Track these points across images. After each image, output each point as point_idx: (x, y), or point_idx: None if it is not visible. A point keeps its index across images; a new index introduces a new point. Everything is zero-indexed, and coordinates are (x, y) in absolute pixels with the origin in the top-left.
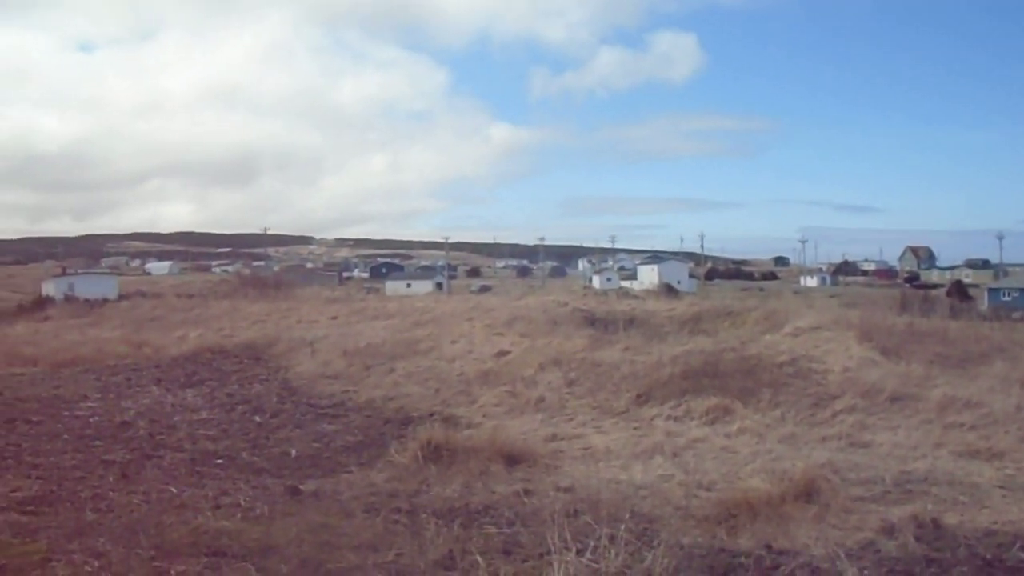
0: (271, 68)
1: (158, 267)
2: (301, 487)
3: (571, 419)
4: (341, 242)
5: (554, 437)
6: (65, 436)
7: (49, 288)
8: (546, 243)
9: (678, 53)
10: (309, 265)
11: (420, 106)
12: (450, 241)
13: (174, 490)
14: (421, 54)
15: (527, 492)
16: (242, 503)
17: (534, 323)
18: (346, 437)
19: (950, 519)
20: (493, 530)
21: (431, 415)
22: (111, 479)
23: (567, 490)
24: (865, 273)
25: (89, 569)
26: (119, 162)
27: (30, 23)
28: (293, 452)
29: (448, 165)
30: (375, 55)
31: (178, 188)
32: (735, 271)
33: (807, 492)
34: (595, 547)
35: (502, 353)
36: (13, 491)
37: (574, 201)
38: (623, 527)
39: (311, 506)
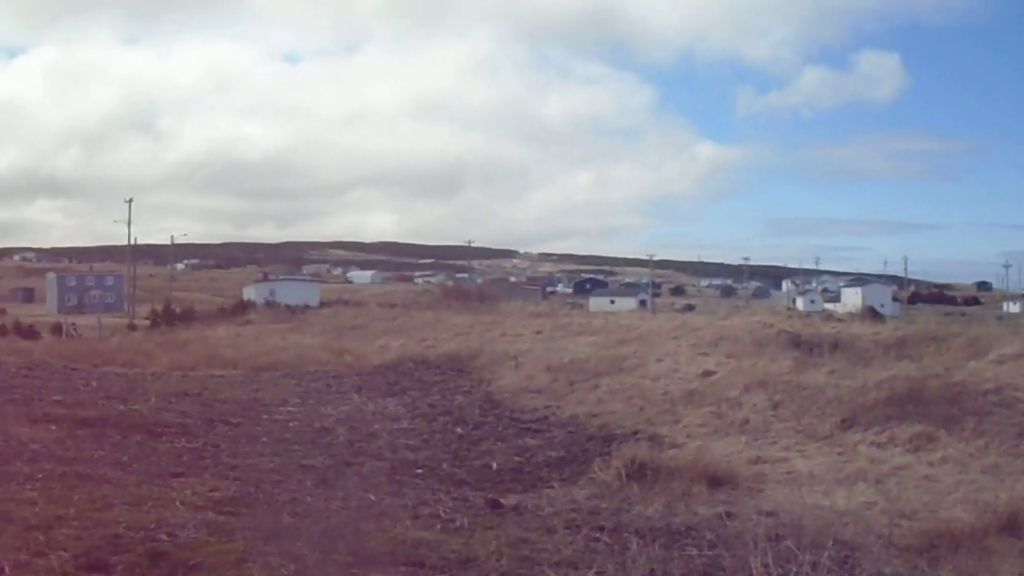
0: (476, 82)
1: (360, 276)
2: (502, 500)
3: (775, 442)
4: (545, 257)
5: (757, 460)
6: (264, 439)
7: (250, 293)
8: (750, 263)
9: (881, 72)
10: (512, 279)
11: (625, 123)
12: (655, 259)
13: (373, 498)
14: (626, 71)
15: (729, 515)
16: (442, 514)
17: (739, 343)
18: (548, 452)
19: None
20: (695, 552)
21: (635, 433)
22: (309, 484)
23: (770, 514)
24: None
25: (285, 572)
26: (323, 171)
27: (236, 34)
28: (494, 465)
29: (653, 182)
30: (580, 71)
31: (382, 198)
32: (937, 295)
33: (1010, 525)
34: (797, 573)
35: (707, 373)
36: (211, 491)
37: (778, 221)
38: (825, 554)
39: (512, 520)
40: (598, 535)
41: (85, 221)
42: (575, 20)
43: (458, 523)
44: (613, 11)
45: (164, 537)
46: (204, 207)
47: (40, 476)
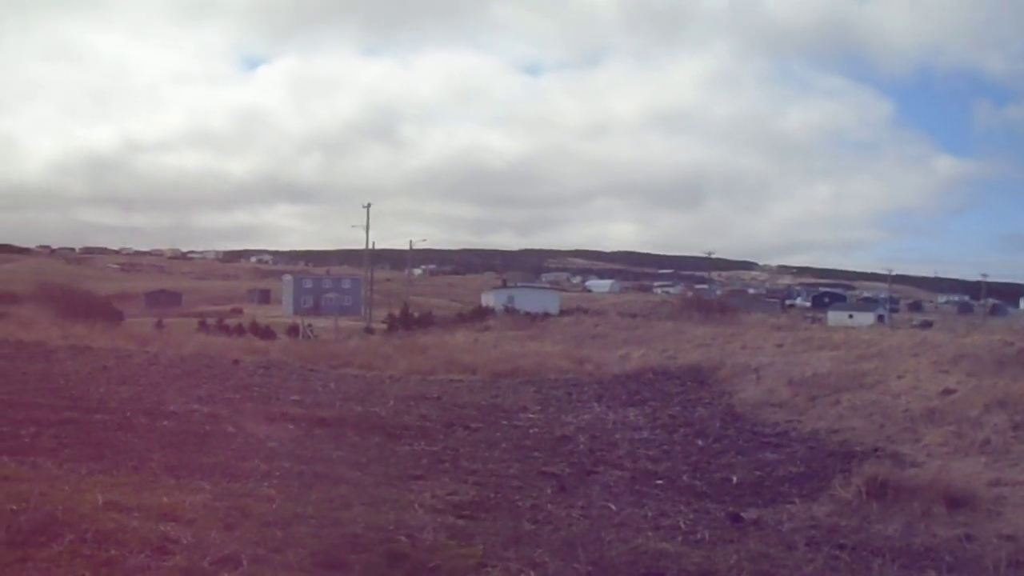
0: (716, 94)
1: (599, 285)
2: (742, 514)
3: (1015, 464)
4: (784, 269)
5: (997, 482)
6: (503, 445)
7: (489, 299)
8: (988, 280)
9: None
10: (751, 291)
11: (863, 135)
12: (892, 273)
13: (613, 507)
14: (865, 84)
15: (969, 537)
16: (682, 526)
17: (980, 362)
18: (788, 467)
19: None
20: (934, 574)
21: (875, 450)
22: (549, 491)
23: (1009, 538)
24: None
25: None
26: (564, 180)
27: (477, 45)
28: (734, 478)
29: (890, 196)
30: (820, 84)
31: (622, 208)
32: None
33: None
34: None
35: (948, 391)
36: (450, 494)
37: (1016, 236)
38: None
39: (752, 535)
40: (838, 553)
41: (323, 225)
42: (814, 32)
43: (699, 535)
44: (851, 23)
45: (403, 539)
46: (444, 214)
47: (278, 474)
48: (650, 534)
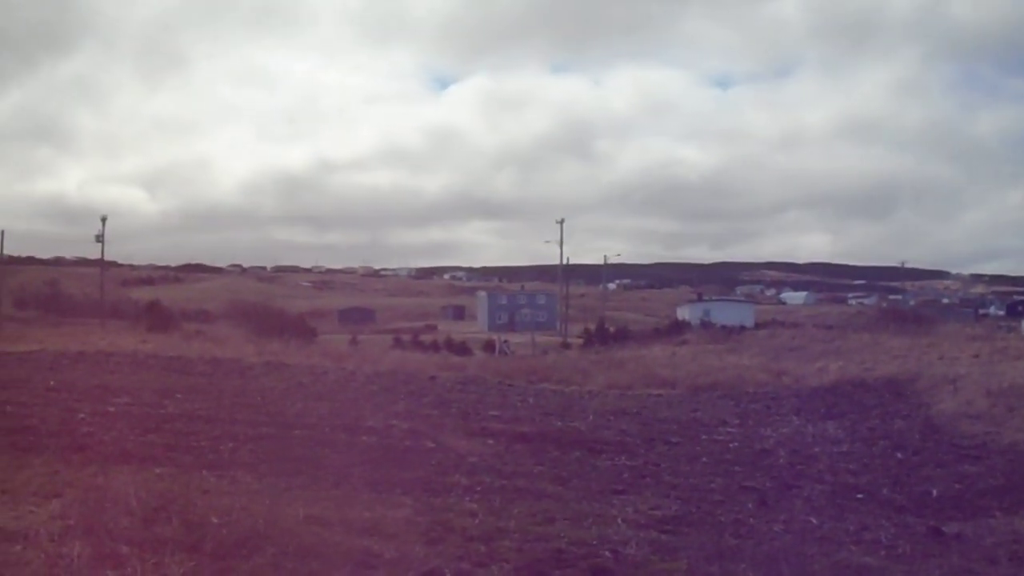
0: (904, 102)
1: (793, 297)
2: (943, 529)
3: None
4: (976, 278)
5: None
6: (704, 459)
7: (684, 313)
8: None
9: None
10: (945, 300)
11: None
12: None
13: (815, 521)
14: None
15: None
16: (884, 540)
17: None
18: (988, 480)
19: None
20: None
21: None
22: (750, 505)
23: None
24: None
25: None
26: (757, 193)
27: (669, 60)
28: (935, 492)
29: None
30: (1008, 87)
31: (814, 219)
32: None
33: None
34: None
35: None
36: (652, 508)
37: None
38: None
39: (954, 549)
40: None
41: (516, 241)
42: (1000, 34)
43: (900, 550)
44: None
45: (607, 553)
46: (637, 228)
47: (479, 489)
48: (852, 548)
